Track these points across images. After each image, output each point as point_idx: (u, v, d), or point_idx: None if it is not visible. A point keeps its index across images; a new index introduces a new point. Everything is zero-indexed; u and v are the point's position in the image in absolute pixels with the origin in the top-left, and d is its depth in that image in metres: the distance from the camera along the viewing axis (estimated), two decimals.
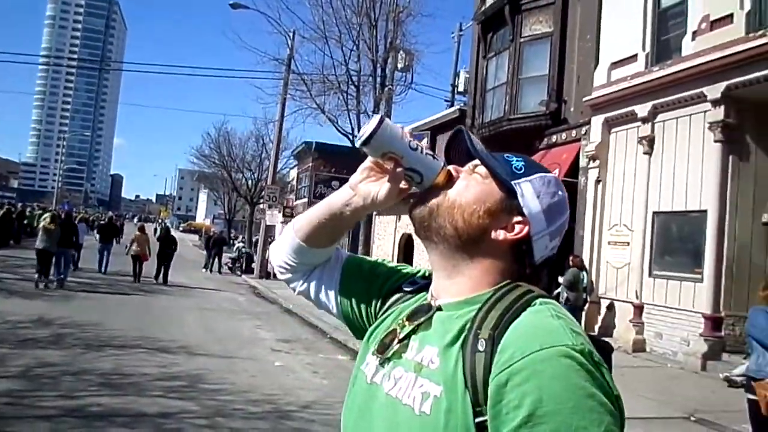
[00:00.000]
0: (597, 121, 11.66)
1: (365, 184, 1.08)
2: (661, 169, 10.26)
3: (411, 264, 1.49)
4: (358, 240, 17.73)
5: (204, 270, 23.04)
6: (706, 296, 9.11)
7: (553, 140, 13.09)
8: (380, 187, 1.05)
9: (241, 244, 26.86)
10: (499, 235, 0.99)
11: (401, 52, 17.10)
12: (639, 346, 10.06)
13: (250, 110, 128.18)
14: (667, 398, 7.12)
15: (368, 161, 1.08)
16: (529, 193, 0.99)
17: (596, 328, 10.95)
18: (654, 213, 10.39)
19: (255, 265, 22.28)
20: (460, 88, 20.50)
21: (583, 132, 12.21)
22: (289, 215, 22.49)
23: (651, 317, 10.13)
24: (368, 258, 1.30)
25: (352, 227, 1.30)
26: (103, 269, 16.77)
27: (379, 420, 0.97)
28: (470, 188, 1.01)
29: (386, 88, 16.70)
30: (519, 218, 0.99)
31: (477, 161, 1.03)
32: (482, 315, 0.92)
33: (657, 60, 10.55)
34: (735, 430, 5.78)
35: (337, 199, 1.12)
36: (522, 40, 13.85)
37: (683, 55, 9.76)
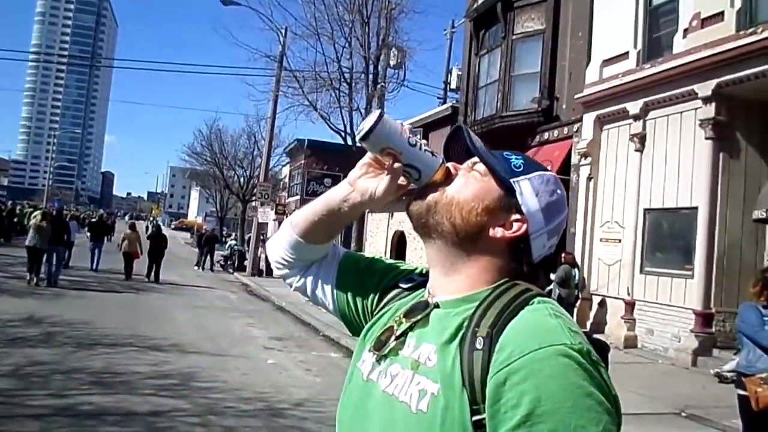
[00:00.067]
0: (589, 118, 11.70)
1: (363, 180, 1.07)
2: (652, 166, 10.31)
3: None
4: (351, 237, 17.70)
5: (196, 268, 22.96)
6: (696, 293, 9.18)
7: (545, 137, 13.13)
8: (378, 183, 1.05)
9: (233, 242, 26.79)
10: (497, 232, 0.98)
11: (393, 49, 17.06)
12: (630, 343, 10.12)
13: (242, 107, 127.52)
14: (658, 394, 7.17)
15: (367, 157, 1.08)
16: (528, 191, 0.99)
17: (588, 324, 10.99)
18: (645, 210, 10.44)
19: (247, 263, 22.22)
20: (453, 86, 20.50)
21: (574, 129, 12.25)
22: (281, 213, 22.48)
23: (642, 314, 10.19)
24: (365, 255, 1.29)
25: (349, 223, 1.30)
26: (94, 267, 16.70)
27: (375, 417, 0.97)
28: (469, 185, 1.01)
29: (379, 86, 16.66)
30: (517, 216, 0.98)
31: (476, 159, 1.03)
32: (480, 313, 0.92)
33: (648, 57, 10.60)
34: (725, 426, 5.82)
35: (335, 195, 1.11)
36: (514, 37, 13.87)
37: (674, 53, 9.81)
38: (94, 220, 22.96)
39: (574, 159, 12.08)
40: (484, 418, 0.84)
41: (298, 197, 30.06)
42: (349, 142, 16.50)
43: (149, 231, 21.37)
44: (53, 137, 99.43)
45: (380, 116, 1.00)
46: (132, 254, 16.31)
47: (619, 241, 10.90)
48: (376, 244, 20.84)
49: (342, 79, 16.87)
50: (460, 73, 18.22)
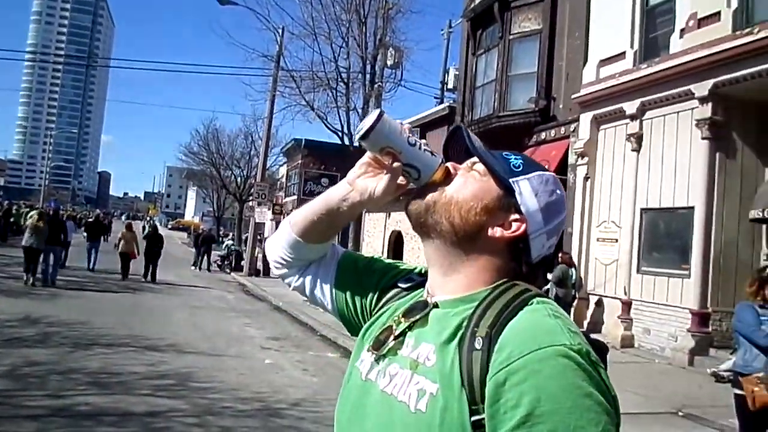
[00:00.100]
0: (585, 118, 11.71)
1: (363, 180, 1.07)
2: (649, 166, 10.33)
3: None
4: (348, 237, 17.70)
5: (193, 268, 22.93)
6: (693, 292, 9.19)
7: (542, 137, 13.14)
8: (378, 183, 1.05)
9: (230, 242, 26.75)
10: (496, 232, 0.98)
11: (390, 49, 17.08)
12: (627, 342, 10.14)
13: (239, 107, 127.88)
14: (655, 393, 7.18)
15: (366, 157, 1.07)
16: (527, 191, 0.99)
17: (585, 324, 11.01)
18: (642, 210, 10.46)
19: (244, 263, 22.20)
20: (450, 85, 20.53)
21: (571, 129, 12.26)
22: (278, 213, 22.47)
23: (639, 313, 10.21)
24: (364, 254, 1.29)
25: (348, 223, 1.30)
26: (91, 267, 16.66)
27: (373, 417, 0.97)
28: (468, 185, 1.01)
29: (376, 85, 16.68)
30: (516, 216, 0.98)
31: (475, 158, 1.03)
32: (479, 313, 0.91)
33: (645, 57, 10.61)
34: (722, 425, 5.83)
35: (334, 195, 1.11)
36: (511, 37, 13.88)
37: (671, 53, 9.83)
38: (90, 220, 22.94)
39: (571, 159, 12.10)
40: (483, 418, 0.84)
41: (295, 197, 30.04)
42: (346, 142, 16.51)
43: (146, 231, 21.34)
44: (50, 137, 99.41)
45: (380, 115, 0.99)
46: (129, 254, 16.30)
47: (616, 240, 10.91)
48: (373, 244, 20.83)
49: (339, 79, 16.88)
50: (457, 72, 18.24)
